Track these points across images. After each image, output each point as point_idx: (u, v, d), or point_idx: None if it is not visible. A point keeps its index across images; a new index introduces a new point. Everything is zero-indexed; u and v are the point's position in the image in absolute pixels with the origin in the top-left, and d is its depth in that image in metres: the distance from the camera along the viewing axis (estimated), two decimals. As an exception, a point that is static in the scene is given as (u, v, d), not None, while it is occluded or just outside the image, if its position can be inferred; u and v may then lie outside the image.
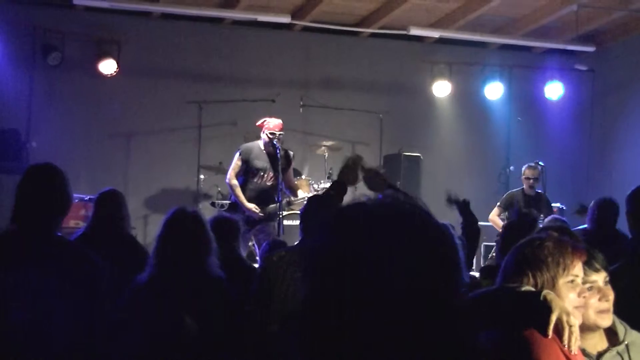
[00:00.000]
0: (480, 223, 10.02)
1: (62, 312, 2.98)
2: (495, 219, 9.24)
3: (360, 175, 4.38)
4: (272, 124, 8.37)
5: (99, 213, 5.19)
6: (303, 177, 9.44)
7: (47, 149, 9.23)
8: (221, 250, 4.14)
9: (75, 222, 8.00)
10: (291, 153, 8.66)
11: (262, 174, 8.19)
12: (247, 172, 8.28)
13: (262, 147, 8.32)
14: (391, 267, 1.25)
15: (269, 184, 8.18)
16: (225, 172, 9.21)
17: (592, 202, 6.41)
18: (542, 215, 8.70)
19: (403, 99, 11.55)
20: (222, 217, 5.42)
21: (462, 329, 1.32)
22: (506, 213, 9.15)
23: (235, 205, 8.23)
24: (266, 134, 8.34)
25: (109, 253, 3.68)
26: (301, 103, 10.57)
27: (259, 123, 8.51)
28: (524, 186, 9.29)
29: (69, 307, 3.00)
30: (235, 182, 8.28)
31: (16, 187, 3.20)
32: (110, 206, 5.23)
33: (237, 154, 8.39)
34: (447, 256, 1.33)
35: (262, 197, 8.16)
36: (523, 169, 9.35)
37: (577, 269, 2.48)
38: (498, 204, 9.35)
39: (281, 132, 8.39)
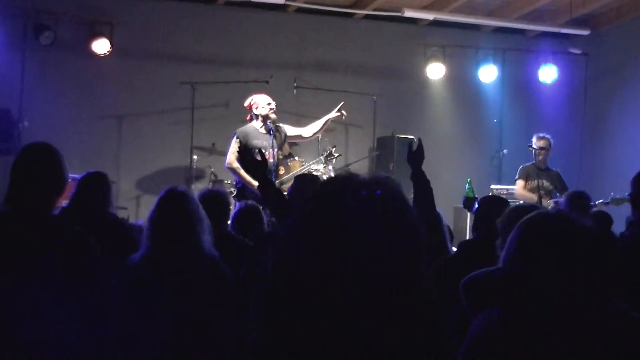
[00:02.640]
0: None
1: (61, 297, 2.92)
2: (524, 193, 9.16)
3: None
4: (262, 99, 8.30)
5: (81, 193, 5.18)
6: (296, 158, 9.41)
7: (39, 129, 9.18)
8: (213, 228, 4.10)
9: (66, 202, 7.96)
10: (282, 126, 8.58)
11: (264, 152, 8.10)
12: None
13: (258, 127, 8.27)
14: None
15: (271, 161, 7.92)
16: (218, 153, 9.18)
17: None
18: (558, 193, 8.75)
19: (396, 81, 11.53)
20: (209, 192, 5.25)
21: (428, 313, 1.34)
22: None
23: (242, 191, 7.98)
24: (261, 110, 8.25)
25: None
26: (295, 85, 10.54)
27: (247, 104, 8.43)
28: (538, 158, 9.11)
29: (67, 291, 2.94)
30: (237, 164, 8.08)
31: (11, 167, 3.12)
32: (94, 188, 5.21)
33: (234, 138, 8.26)
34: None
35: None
36: (534, 140, 9.21)
37: None
38: (517, 177, 9.28)
39: (274, 103, 8.35)
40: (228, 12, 10.99)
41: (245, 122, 8.56)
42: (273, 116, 8.26)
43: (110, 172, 8.30)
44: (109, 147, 10.41)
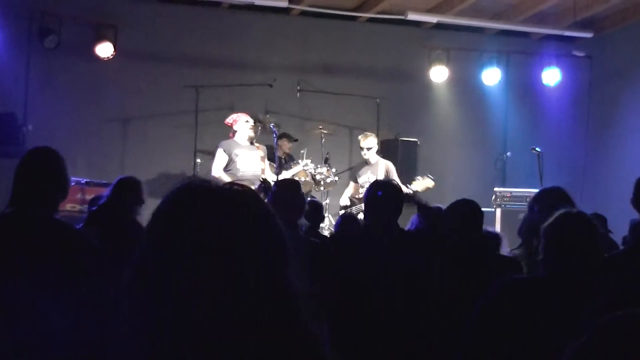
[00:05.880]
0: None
1: (63, 298, 2.93)
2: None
3: None
4: (242, 117, 8.86)
5: (113, 197, 5.25)
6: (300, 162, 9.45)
7: (43, 133, 9.20)
8: None
9: (71, 206, 7.99)
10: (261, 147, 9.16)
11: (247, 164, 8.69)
12: (230, 164, 8.72)
13: (239, 141, 8.80)
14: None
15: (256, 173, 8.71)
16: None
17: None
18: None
19: (400, 84, 11.53)
20: None
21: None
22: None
23: None
24: (240, 126, 8.81)
25: (114, 236, 3.66)
26: (298, 88, 10.56)
27: (229, 121, 8.92)
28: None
29: (70, 292, 2.95)
30: (221, 173, 8.65)
31: (15, 170, 3.18)
32: (127, 192, 5.30)
33: (219, 149, 8.79)
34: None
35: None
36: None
37: None
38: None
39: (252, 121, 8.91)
40: (232, 16, 11.00)
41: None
42: (251, 133, 8.83)
43: (114, 175, 8.36)
44: (114, 150, 10.43)
